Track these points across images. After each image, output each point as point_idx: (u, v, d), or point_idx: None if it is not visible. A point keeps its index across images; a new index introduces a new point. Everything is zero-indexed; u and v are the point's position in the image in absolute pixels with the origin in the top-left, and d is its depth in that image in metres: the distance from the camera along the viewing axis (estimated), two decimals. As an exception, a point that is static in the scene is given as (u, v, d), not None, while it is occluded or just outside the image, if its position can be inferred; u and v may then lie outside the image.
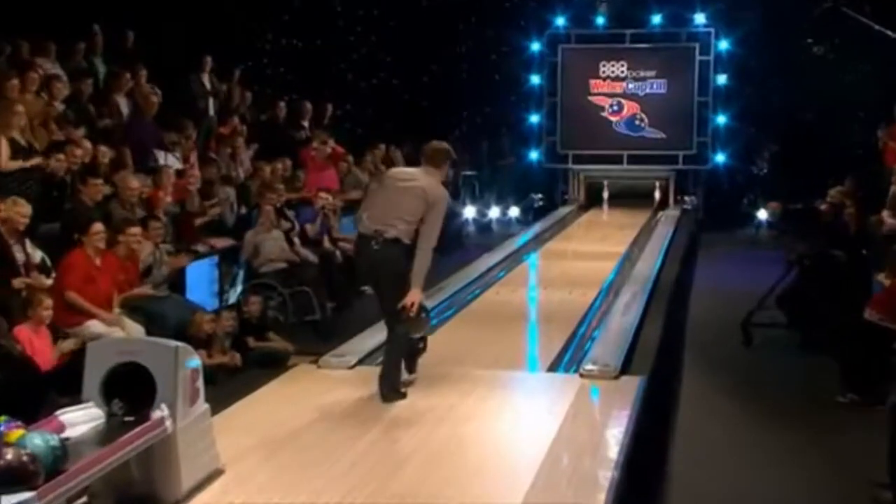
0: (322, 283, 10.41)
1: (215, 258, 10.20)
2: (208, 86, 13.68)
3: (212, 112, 13.66)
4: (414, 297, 6.21)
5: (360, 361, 7.31)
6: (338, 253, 11.45)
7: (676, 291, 10.73)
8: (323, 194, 11.95)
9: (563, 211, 18.19)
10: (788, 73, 17.75)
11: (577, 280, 10.90)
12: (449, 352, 7.40)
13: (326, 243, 11.56)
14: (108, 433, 4.39)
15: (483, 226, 17.94)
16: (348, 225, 12.96)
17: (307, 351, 8.43)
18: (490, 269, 11.54)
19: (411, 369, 6.72)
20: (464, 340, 7.86)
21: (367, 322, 8.39)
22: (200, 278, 9.72)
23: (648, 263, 11.70)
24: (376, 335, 7.87)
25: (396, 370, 6.45)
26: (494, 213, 18.78)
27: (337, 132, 15.20)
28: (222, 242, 10.56)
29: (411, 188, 6.22)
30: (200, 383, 4.89)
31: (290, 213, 11.56)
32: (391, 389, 6.35)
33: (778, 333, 9.37)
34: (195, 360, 4.87)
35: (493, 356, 7.68)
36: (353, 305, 11.06)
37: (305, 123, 14.90)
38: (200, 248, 10.12)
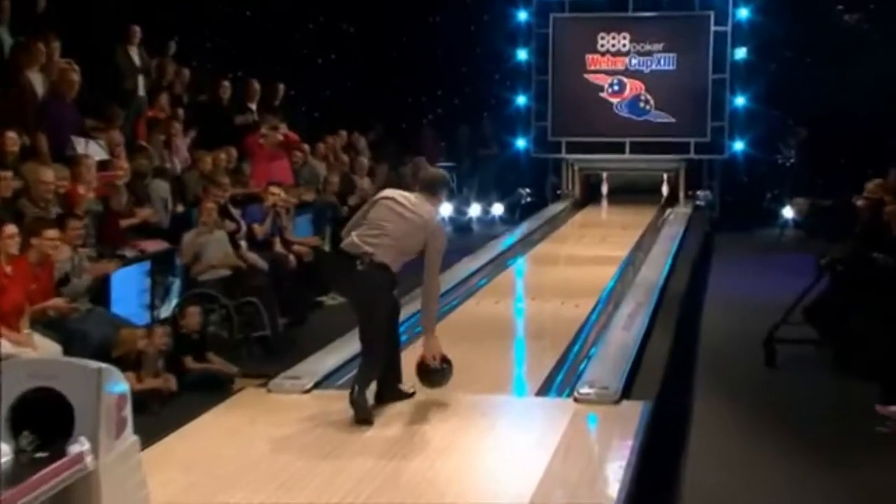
0: (273, 294, 10.40)
1: (146, 264, 10.17)
2: (137, 61, 13.63)
3: (141, 92, 13.61)
4: (434, 346, 6.84)
5: (318, 384, 7.31)
6: (291, 258, 11.45)
7: (687, 302, 10.79)
8: (274, 189, 11.94)
9: (555, 208, 18.27)
10: (819, 47, 17.88)
11: (572, 289, 10.95)
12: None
13: (278, 247, 11.54)
14: (16, 472, 4.34)
15: (462, 226, 18.00)
16: (303, 225, 13.00)
17: (255, 373, 8.44)
18: (470, 276, 11.58)
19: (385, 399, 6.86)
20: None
21: (325, 338, 8.40)
22: (128, 288, 9.68)
23: (654, 269, 11.76)
24: (336, 354, 7.89)
25: (369, 383, 6.68)
26: (475, 210, 18.85)
27: (290, 116, 15.20)
28: (154, 246, 10.53)
29: (412, 218, 6.71)
30: (128, 411, 4.86)
31: (236, 212, 11.54)
32: (362, 392, 6.54)
33: (807, 351, 9.44)
34: (122, 385, 4.84)
35: (473, 377, 7.68)
36: (308, 319, 11.06)
37: (253, 106, 14.89)
38: (128, 252, 10.08)
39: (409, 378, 7.03)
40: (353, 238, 6.69)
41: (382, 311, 6.71)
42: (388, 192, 7.02)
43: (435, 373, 6.90)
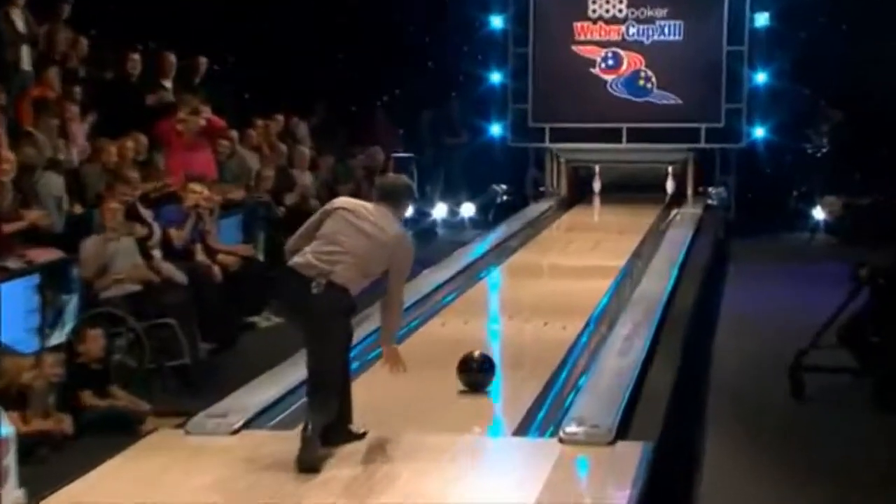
0: (193, 313, 10.39)
1: (34, 278, 10.09)
2: (21, 27, 13.55)
3: (27, 66, 13.53)
4: (393, 354, 7.09)
5: (248, 423, 7.29)
6: (215, 269, 11.43)
7: (697, 322, 10.85)
8: (194, 186, 11.91)
9: (537, 209, 18.32)
10: (857, 11, 17.95)
11: (557, 306, 11.02)
12: (376, 407, 7.43)
13: (200, 255, 11.52)
14: None
15: (424, 230, 17.97)
16: (230, 229, 12.96)
17: (171, 410, 8.45)
18: (434, 292, 11.62)
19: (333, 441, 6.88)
20: (397, 390, 7.87)
21: (257, 367, 8.41)
22: (12, 307, 9.60)
23: (657, 283, 11.84)
24: (271, 386, 7.91)
25: (324, 423, 6.71)
26: (440, 212, 18.86)
27: (214, 96, 15.15)
28: (45, 255, 10.46)
29: (376, 235, 6.86)
30: (11, 459, 4.86)
31: (147, 213, 11.52)
32: (315, 431, 6.57)
33: (841, 381, 9.50)
34: (3, 427, 4.84)
35: (437, 413, 7.73)
36: (237, 344, 11.04)
37: (168, 84, 14.84)
38: (12, 263, 10.02)
39: (361, 414, 7.05)
40: (309, 256, 6.78)
41: (340, 342, 6.82)
42: (343, 201, 7.13)
43: (478, 373, 8.16)
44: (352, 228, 6.85)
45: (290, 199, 14.34)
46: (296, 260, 6.84)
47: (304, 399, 6.90)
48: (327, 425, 6.79)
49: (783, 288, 13.79)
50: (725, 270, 14.90)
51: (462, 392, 8.14)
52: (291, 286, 6.85)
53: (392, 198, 7.08)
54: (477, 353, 8.33)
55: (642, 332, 9.60)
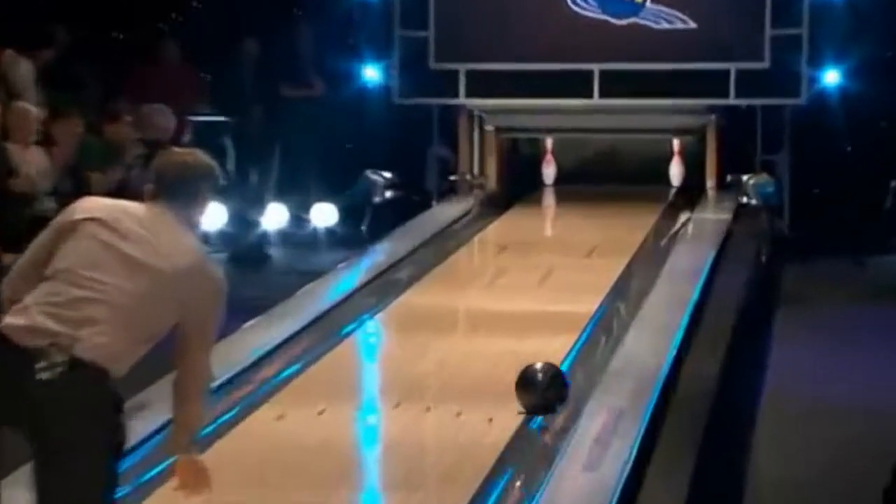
0: None
1: None
2: None
3: None
4: (191, 466, 6.91)
5: None
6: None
7: (721, 411, 10.92)
8: None
9: (446, 213, 18.41)
10: None
11: (479, 384, 11.09)
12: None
13: None
14: None
15: (246, 251, 17.97)
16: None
17: None
18: (263, 360, 11.66)
19: None
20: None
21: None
22: None
23: (653, 342, 11.96)
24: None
25: None
26: (275, 218, 18.82)
27: None
28: None
29: (152, 264, 6.64)
30: None
31: None
32: None
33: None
34: None
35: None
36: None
37: None
38: None
39: None
40: (34, 313, 6.54)
41: (96, 465, 6.58)
42: (95, 205, 6.92)
43: (545, 390, 9.95)
44: (109, 255, 6.63)
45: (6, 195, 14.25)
46: (9, 321, 6.60)
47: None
48: None
49: (868, 350, 13.87)
50: (772, 320, 14.96)
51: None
52: (2, 368, 6.62)
53: (179, 191, 6.89)
54: (540, 365, 10.21)
55: (628, 427, 9.65)
